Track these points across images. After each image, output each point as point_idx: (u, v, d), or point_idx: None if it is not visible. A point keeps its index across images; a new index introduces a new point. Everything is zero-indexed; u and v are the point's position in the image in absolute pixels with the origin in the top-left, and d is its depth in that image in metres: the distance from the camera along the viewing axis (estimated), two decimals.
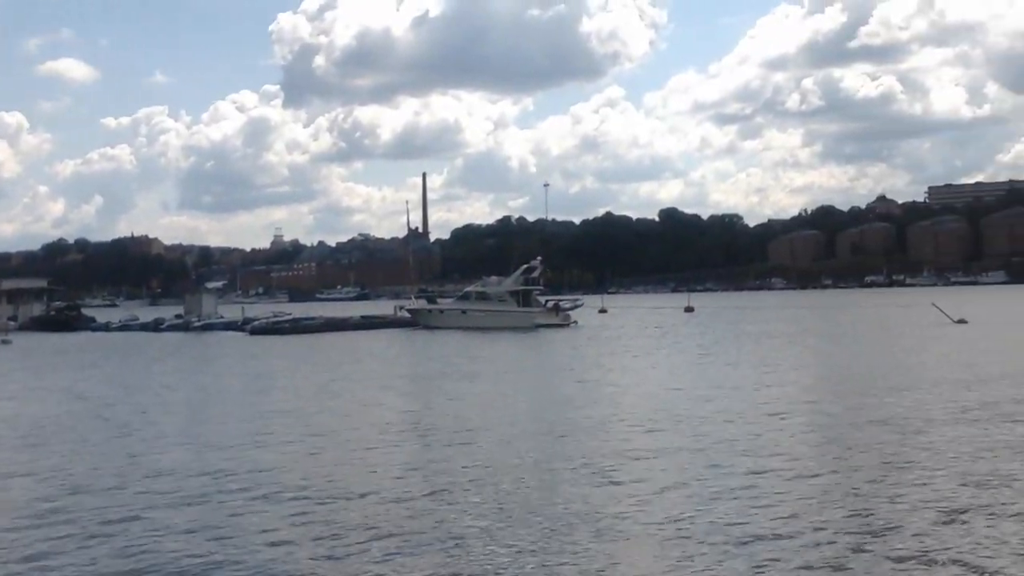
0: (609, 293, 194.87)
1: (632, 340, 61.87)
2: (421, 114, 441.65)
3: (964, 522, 13.46)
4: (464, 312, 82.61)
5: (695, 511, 14.50)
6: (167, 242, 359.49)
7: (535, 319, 78.67)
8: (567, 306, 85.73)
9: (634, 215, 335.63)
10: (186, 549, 13.19)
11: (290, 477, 18.03)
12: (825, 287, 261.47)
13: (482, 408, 27.93)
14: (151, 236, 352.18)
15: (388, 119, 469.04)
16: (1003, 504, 14.36)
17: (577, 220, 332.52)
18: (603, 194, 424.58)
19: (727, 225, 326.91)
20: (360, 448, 21.35)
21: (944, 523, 13.47)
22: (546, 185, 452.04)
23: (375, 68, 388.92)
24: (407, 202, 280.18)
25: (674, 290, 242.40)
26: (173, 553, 13.03)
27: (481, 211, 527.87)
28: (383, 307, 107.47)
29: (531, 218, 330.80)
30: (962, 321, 65.88)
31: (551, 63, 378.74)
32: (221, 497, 16.39)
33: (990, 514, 13.79)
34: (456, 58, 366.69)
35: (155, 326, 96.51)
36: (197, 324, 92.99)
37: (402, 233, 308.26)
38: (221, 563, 12.51)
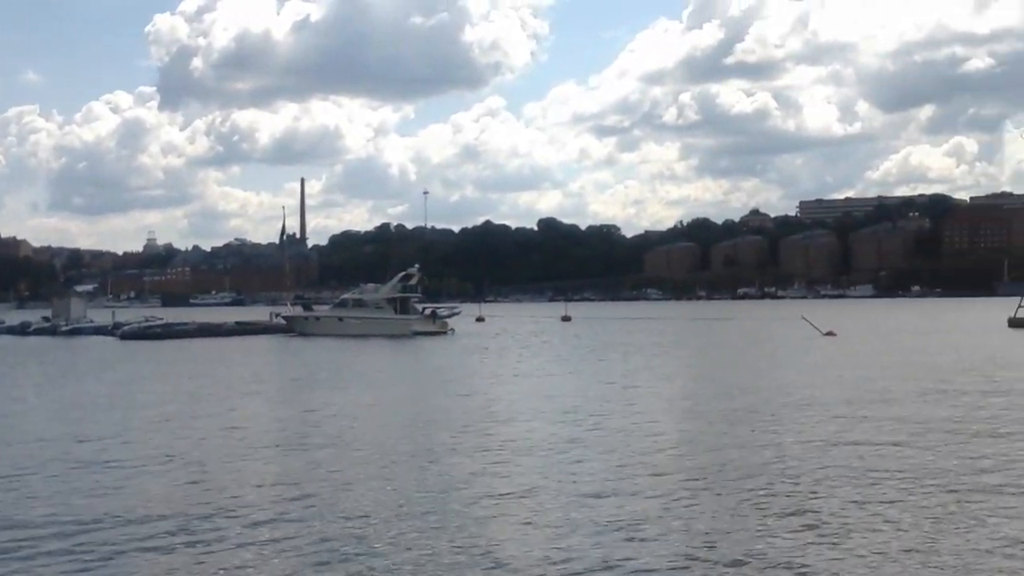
0: (487, 301, 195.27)
1: (507, 348, 61.88)
2: (301, 119, 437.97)
3: (812, 527, 13.63)
4: (340, 319, 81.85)
5: (558, 504, 14.41)
6: (36, 244, 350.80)
7: (412, 327, 78.31)
8: (444, 314, 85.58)
9: (513, 224, 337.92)
10: None
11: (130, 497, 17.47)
12: (699, 298, 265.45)
13: (349, 417, 27.54)
14: (19, 238, 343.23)
15: (267, 123, 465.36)
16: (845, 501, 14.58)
17: (456, 228, 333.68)
18: (483, 203, 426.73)
19: (605, 236, 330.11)
20: (226, 457, 20.82)
21: (795, 529, 13.61)
22: (426, 193, 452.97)
23: (254, 72, 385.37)
24: (284, 207, 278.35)
25: (552, 299, 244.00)
26: None
27: (360, 218, 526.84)
28: (259, 313, 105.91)
29: (410, 225, 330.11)
30: (830, 334, 67.21)
31: (433, 71, 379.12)
32: (62, 521, 15.78)
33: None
34: (337, 64, 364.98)
35: (21, 330, 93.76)
36: (65, 328, 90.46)
37: (279, 239, 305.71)
38: None
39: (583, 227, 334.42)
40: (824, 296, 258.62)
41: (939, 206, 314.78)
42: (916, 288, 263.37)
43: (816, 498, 15.67)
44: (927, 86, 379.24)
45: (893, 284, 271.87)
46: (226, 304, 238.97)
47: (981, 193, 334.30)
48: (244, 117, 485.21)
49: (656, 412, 27.18)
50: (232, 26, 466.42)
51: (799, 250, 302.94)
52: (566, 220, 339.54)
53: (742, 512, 14.89)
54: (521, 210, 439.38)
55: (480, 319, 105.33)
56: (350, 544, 13.38)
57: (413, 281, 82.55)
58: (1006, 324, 73.93)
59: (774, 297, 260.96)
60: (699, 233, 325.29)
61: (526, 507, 15.47)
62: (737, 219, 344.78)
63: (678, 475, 17.86)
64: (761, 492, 16.18)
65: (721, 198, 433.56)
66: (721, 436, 22.47)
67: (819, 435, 22.17)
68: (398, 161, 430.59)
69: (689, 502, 15.61)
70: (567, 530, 13.96)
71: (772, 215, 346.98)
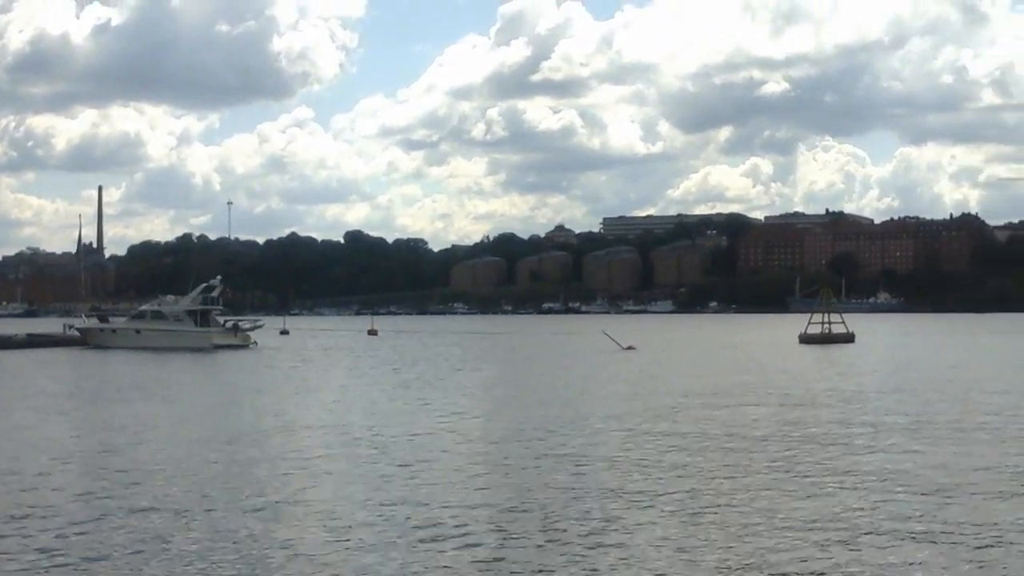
0: (292, 314, 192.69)
1: (310, 362, 61.15)
2: (100, 126, 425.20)
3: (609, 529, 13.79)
4: (138, 331, 79.37)
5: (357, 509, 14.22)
6: None
7: (213, 339, 76.53)
8: (247, 327, 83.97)
9: (319, 237, 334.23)
10: None
11: None
12: (505, 312, 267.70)
13: (135, 431, 26.71)
14: None
15: (64, 129, 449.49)
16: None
17: (261, 240, 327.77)
18: (289, 215, 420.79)
19: (412, 249, 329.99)
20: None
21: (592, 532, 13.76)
22: (230, 203, 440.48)
23: (51, 76, 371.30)
24: (81, 216, 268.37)
25: (358, 313, 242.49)
26: None
27: (161, 228, 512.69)
28: (52, 325, 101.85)
29: (213, 236, 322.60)
30: (631, 348, 68.56)
31: (238, 80, 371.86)
32: None
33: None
34: (139, 70, 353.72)
35: None
36: None
37: (75, 248, 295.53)
38: None
39: (390, 240, 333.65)
40: (626, 311, 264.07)
41: (736, 225, 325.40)
42: (713, 304, 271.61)
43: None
44: (725, 108, 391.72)
45: (692, 300, 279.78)
46: (17, 315, 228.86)
47: (775, 213, 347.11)
48: (40, 122, 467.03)
49: (438, 428, 27.08)
50: (28, 28, 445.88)
51: (602, 266, 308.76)
52: (373, 233, 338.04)
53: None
54: (328, 222, 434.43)
55: (284, 332, 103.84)
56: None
57: (215, 293, 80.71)
58: (797, 340, 76.71)
59: (578, 312, 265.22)
60: (505, 248, 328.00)
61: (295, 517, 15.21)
62: (543, 235, 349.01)
63: (439, 491, 17.84)
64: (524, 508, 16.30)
65: (527, 213, 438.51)
66: (496, 452, 22.61)
67: (599, 450, 22.50)
68: (202, 170, 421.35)
69: (429, 511, 15.61)
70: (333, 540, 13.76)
71: (576, 231, 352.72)
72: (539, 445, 23.37)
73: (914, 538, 14.04)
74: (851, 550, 13.48)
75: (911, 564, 12.82)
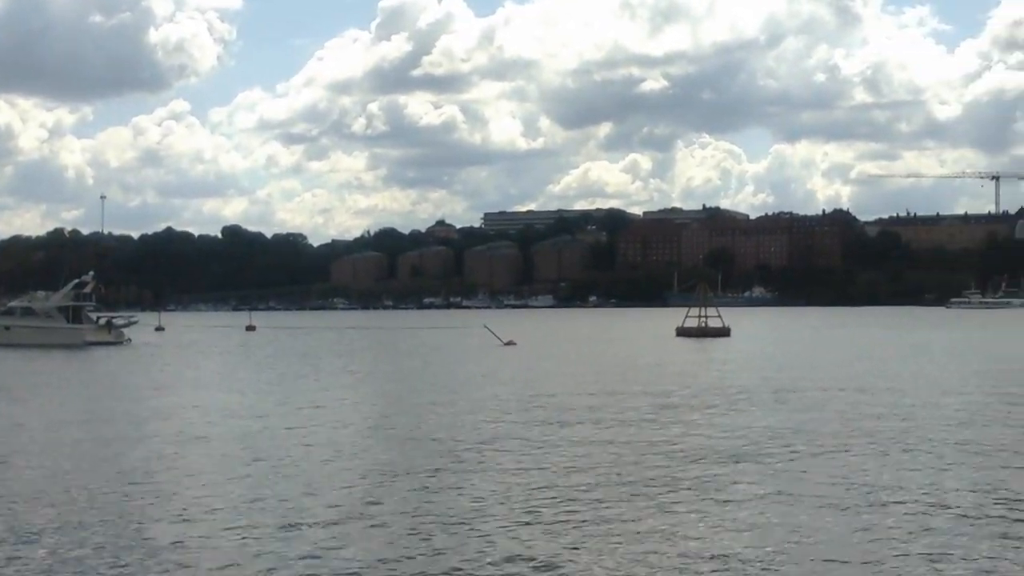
0: (167, 310, 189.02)
1: (187, 358, 60.16)
2: None
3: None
4: (7, 328, 77.10)
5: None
6: None
7: (85, 336, 74.79)
8: (121, 323, 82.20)
9: (196, 231, 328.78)
10: None
11: None
12: (386, 308, 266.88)
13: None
14: None
15: None
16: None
17: (136, 235, 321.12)
18: (164, 209, 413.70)
19: (291, 244, 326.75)
20: None
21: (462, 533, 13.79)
22: (103, 198, 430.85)
23: None
24: None
25: (236, 308, 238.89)
26: None
27: (32, 223, 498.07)
28: None
29: (86, 231, 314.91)
30: (511, 343, 68.81)
31: (113, 72, 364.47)
32: None
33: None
34: (9, 61, 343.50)
35: None
36: None
37: None
38: None
39: (269, 235, 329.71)
40: (507, 306, 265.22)
41: (615, 220, 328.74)
42: (593, 299, 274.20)
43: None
44: (605, 105, 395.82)
45: (572, 294, 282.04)
46: None
47: (654, 208, 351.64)
48: None
49: (312, 423, 26.85)
50: None
51: (483, 261, 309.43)
52: (251, 228, 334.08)
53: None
54: (205, 217, 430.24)
55: (160, 328, 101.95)
56: None
57: (87, 289, 78.81)
58: (674, 334, 77.80)
59: (459, 307, 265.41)
60: (386, 243, 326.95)
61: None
62: (424, 229, 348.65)
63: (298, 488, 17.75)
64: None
65: (408, 208, 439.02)
66: (357, 445, 22.56)
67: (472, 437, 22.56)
68: (74, 164, 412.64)
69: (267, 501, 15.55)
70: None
71: (458, 226, 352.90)
72: (412, 439, 23.34)
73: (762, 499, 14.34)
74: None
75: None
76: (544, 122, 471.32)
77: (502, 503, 15.97)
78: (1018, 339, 74.06)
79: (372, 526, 14.63)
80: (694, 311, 79.81)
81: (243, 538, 13.97)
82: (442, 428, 25.16)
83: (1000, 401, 29.97)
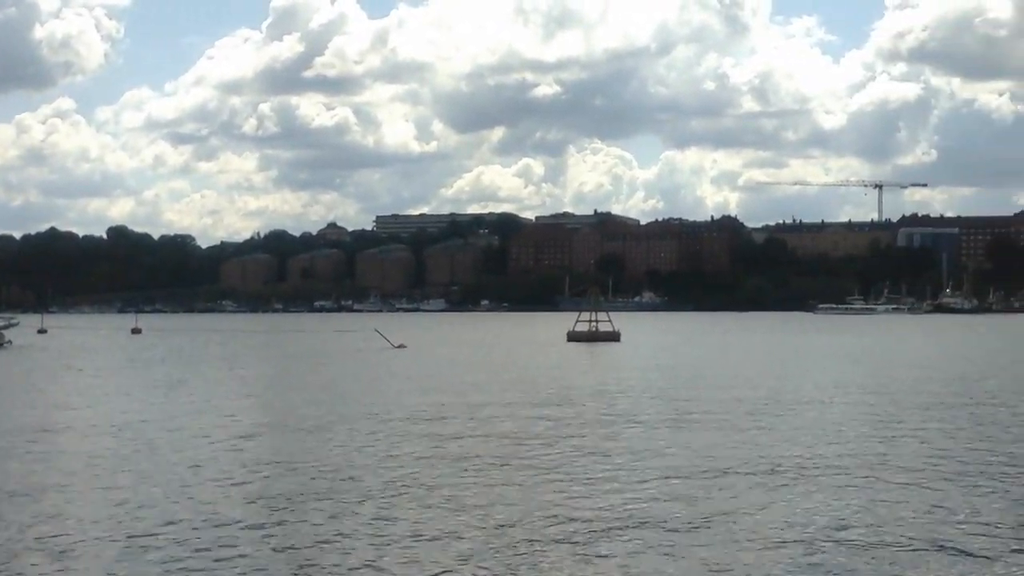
0: (50, 312, 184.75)
1: (69, 361, 58.68)
2: None
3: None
4: None
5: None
6: None
7: None
8: (1, 324, 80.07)
9: (81, 232, 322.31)
10: None
11: None
12: (276, 311, 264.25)
13: None
14: None
15: None
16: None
17: (18, 235, 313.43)
18: (48, 209, 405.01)
19: (179, 245, 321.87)
20: None
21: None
22: None
23: None
24: None
25: (121, 310, 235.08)
26: None
27: None
28: None
29: None
30: (402, 346, 68.57)
31: None
32: None
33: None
34: None
35: None
36: None
37: None
38: None
39: (156, 236, 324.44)
40: (399, 309, 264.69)
41: (508, 224, 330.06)
42: (485, 302, 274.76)
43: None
44: (498, 109, 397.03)
45: (464, 298, 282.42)
46: None
47: (546, 213, 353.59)
48: None
49: (193, 425, 26.41)
50: None
51: (375, 264, 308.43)
52: (138, 229, 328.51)
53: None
54: (90, 217, 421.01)
55: (42, 331, 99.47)
56: None
57: None
58: (565, 338, 78.18)
59: (350, 310, 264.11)
60: (276, 245, 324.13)
61: None
62: (315, 232, 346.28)
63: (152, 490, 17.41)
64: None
65: (300, 210, 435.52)
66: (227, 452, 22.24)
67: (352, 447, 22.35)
68: None
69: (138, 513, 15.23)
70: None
71: (350, 229, 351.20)
72: (295, 442, 23.03)
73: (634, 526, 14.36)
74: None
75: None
76: (437, 125, 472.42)
77: (357, 509, 15.79)
78: (871, 341, 76.00)
79: (233, 538, 14.31)
80: (585, 316, 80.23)
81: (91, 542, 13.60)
82: (320, 439, 24.81)
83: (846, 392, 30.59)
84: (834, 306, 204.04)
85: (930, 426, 25.34)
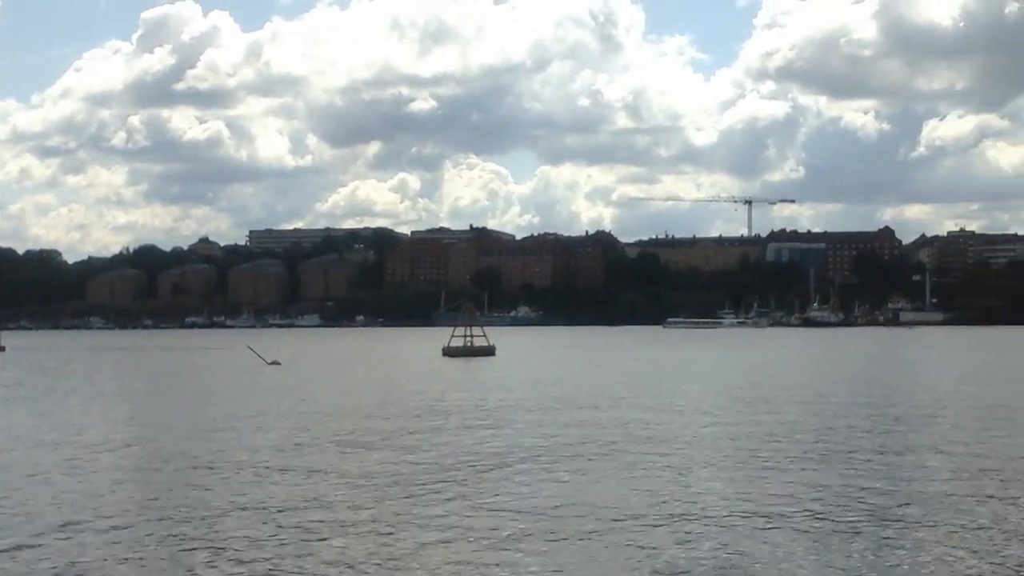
0: None
1: None
2: None
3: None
4: None
5: None
6: None
7: None
8: None
9: None
10: None
11: None
12: (146, 327, 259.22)
13: None
14: None
15: None
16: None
17: None
18: None
19: (44, 261, 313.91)
20: None
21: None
22: None
23: None
24: None
25: None
26: None
27: None
28: None
29: None
30: (275, 363, 67.56)
31: None
32: None
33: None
34: None
35: None
36: None
37: None
38: None
39: (21, 251, 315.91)
40: (272, 325, 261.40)
41: (383, 239, 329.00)
42: (361, 318, 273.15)
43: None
44: (374, 123, 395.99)
45: (339, 314, 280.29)
46: None
47: (422, 228, 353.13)
48: None
49: (57, 444, 25.67)
50: None
51: (248, 279, 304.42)
52: (2, 244, 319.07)
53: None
54: None
55: None
56: None
57: None
58: (440, 353, 77.92)
59: (223, 326, 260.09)
60: (146, 260, 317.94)
61: None
62: (186, 247, 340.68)
63: None
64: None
65: (171, 225, 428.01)
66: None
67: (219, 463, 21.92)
68: None
69: None
70: None
71: (222, 244, 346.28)
72: (161, 459, 22.47)
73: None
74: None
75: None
76: (312, 139, 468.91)
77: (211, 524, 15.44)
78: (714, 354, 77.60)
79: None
80: (460, 331, 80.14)
81: None
82: (182, 456, 24.24)
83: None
84: (682, 320, 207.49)
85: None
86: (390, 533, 15.15)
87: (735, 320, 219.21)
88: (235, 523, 15.99)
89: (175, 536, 15.12)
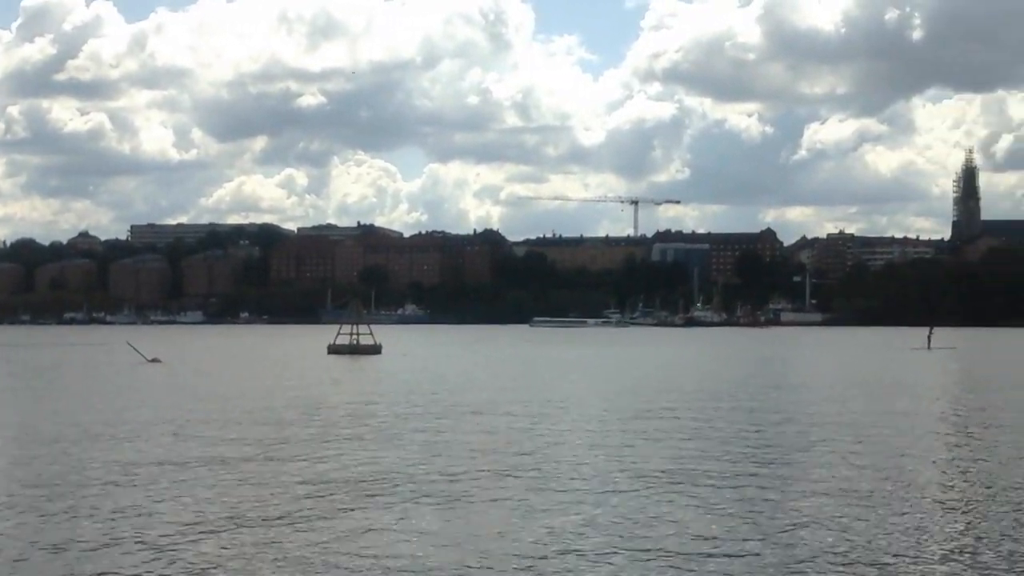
0: None
1: None
2: None
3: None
4: None
5: None
6: None
7: None
8: None
9: None
10: None
11: None
12: (23, 323, 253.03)
13: None
14: None
15: None
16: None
17: None
18: None
19: None
20: None
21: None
22: None
23: None
24: None
25: None
26: None
27: None
28: None
29: None
30: (156, 360, 66.27)
31: None
32: None
33: None
34: None
35: None
36: None
37: None
38: None
39: None
40: (154, 322, 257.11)
41: (269, 235, 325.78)
42: (245, 314, 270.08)
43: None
44: (261, 118, 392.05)
45: (223, 310, 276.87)
46: None
47: (309, 224, 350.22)
48: None
49: None
50: None
51: (130, 274, 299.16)
52: None
53: None
54: None
55: None
56: None
57: None
58: (326, 351, 77.26)
59: (103, 322, 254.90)
60: (23, 254, 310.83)
61: None
62: (65, 241, 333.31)
63: None
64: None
65: (50, 218, 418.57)
66: None
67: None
68: None
69: None
70: None
71: (103, 238, 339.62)
72: (29, 461, 21.82)
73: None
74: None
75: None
76: (197, 133, 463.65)
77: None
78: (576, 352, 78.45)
79: None
80: (346, 328, 79.55)
81: None
82: (52, 460, 23.59)
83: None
84: (549, 320, 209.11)
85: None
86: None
87: (599, 321, 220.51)
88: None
89: None
